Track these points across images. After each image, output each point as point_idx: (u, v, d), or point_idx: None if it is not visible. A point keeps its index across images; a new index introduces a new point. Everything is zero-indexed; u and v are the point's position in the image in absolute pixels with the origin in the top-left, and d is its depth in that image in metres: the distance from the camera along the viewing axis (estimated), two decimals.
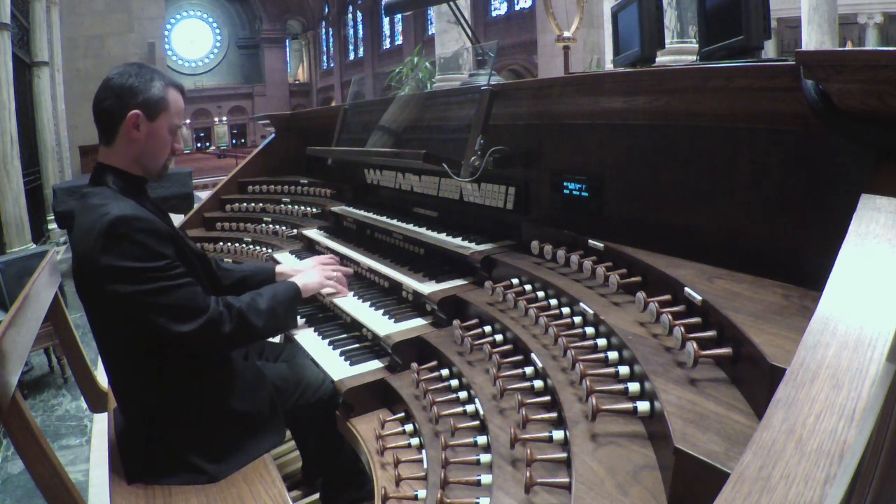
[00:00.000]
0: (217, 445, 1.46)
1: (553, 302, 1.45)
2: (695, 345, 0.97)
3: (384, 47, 26.31)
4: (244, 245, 3.01)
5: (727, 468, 0.76)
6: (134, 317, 1.36)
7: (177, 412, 1.45)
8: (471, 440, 1.20)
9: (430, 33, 19.46)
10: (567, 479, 0.95)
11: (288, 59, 33.26)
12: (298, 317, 1.91)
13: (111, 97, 1.43)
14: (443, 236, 1.98)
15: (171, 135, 1.51)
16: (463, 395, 1.39)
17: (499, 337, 1.48)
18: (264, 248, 2.89)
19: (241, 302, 1.53)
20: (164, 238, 1.38)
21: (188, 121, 28.09)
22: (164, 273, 1.35)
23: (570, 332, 1.30)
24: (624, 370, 1.10)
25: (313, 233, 2.63)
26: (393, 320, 1.76)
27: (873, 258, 0.69)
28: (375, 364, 1.69)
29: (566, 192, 1.67)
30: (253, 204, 3.41)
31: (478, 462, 1.13)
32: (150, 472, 1.43)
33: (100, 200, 1.38)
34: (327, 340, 1.87)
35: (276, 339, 2.17)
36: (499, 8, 19.39)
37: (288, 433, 1.97)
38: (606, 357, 1.15)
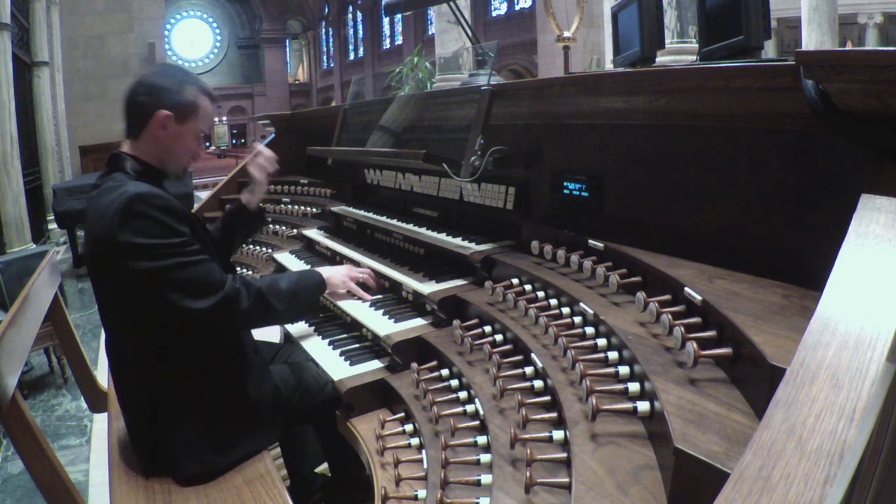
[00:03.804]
0: (217, 435, 1.45)
1: (553, 302, 1.45)
2: (695, 345, 0.97)
3: (384, 47, 26.30)
4: (244, 245, 3.00)
5: (727, 468, 0.76)
6: (149, 294, 1.36)
7: (181, 399, 1.44)
8: (471, 440, 1.20)
9: (430, 33, 19.44)
10: (567, 479, 0.95)
11: (288, 59, 33.24)
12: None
13: (145, 93, 1.45)
14: (443, 236, 1.98)
15: (195, 140, 1.54)
16: (463, 395, 1.38)
17: (499, 337, 1.48)
18: (264, 248, 2.89)
19: (262, 282, 1.54)
20: (180, 216, 1.39)
21: None
22: (181, 249, 1.36)
23: (570, 332, 1.30)
24: (624, 370, 1.10)
25: (313, 233, 2.63)
26: (393, 320, 1.76)
27: (873, 258, 0.69)
28: (375, 364, 1.69)
29: (566, 192, 1.67)
30: None
31: (478, 462, 1.13)
32: (149, 463, 1.43)
33: (117, 182, 1.40)
34: (327, 340, 1.87)
35: (275, 339, 2.16)
36: (499, 8, 19.38)
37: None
38: (606, 357, 1.15)
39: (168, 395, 1.44)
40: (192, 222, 1.43)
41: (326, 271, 1.81)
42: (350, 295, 1.93)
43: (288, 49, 33.21)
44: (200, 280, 1.38)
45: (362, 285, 1.94)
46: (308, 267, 2.16)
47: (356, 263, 2.15)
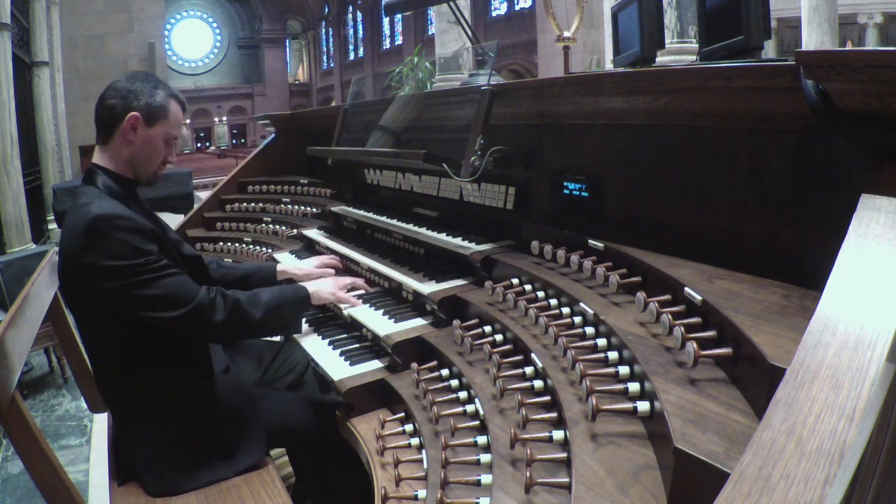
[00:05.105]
0: (180, 455, 1.44)
1: (553, 302, 1.45)
2: (695, 345, 0.97)
3: (384, 47, 26.29)
4: (244, 245, 3.01)
5: (727, 468, 0.76)
6: (119, 312, 1.37)
7: (148, 417, 1.44)
8: (471, 440, 1.20)
9: (430, 33, 19.43)
10: (567, 479, 0.95)
11: (288, 59, 33.23)
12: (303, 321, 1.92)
13: (115, 97, 1.46)
14: (443, 236, 1.98)
15: (166, 144, 1.54)
16: (463, 395, 1.38)
17: (499, 337, 1.48)
18: (264, 248, 2.89)
19: (242, 294, 1.54)
20: (146, 236, 1.38)
21: (188, 120, 28.10)
22: (146, 267, 1.36)
23: (570, 332, 1.30)
24: (624, 370, 1.10)
25: (313, 233, 2.63)
26: (393, 320, 1.76)
27: (873, 258, 0.69)
28: (375, 364, 1.69)
29: (566, 192, 1.67)
30: (253, 204, 3.40)
31: (478, 462, 1.13)
32: (131, 474, 1.44)
33: (86, 199, 1.39)
34: (327, 340, 1.87)
35: (276, 338, 2.17)
36: (499, 8, 19.37)
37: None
38: (606, 357, 1.15)
39: (133, 407, 1.45)
40: (159, 239, 1.43)
41: (313, 285, 1.80)
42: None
43: (288, 49, 33.20)
44: (168, 294, 1.38)
45: (353, 290, 1.93)
46: None
47: (356, 263, 2.15)
